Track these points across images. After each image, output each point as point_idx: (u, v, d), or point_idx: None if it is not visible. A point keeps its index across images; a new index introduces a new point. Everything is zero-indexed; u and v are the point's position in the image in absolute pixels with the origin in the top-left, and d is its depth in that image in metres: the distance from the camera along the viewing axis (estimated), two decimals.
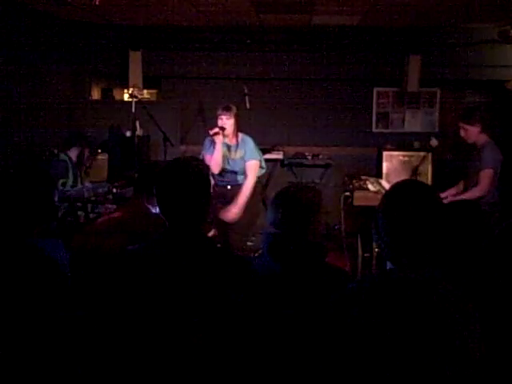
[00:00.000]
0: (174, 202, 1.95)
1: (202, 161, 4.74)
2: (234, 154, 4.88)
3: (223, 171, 4.95)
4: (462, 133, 4.78)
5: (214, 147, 4.82)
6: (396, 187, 1.74)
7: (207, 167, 2.15)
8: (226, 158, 4.91)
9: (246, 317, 1.91)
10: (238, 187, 4.89)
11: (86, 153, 5.54)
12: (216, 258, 1.94)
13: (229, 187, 4.93)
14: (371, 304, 1.54)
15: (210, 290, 1.86)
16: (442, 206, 1.68)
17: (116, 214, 2.80)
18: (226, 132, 4.80)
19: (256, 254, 5.31)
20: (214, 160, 4.80)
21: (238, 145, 4.90)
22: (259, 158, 4.96)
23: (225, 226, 4.93)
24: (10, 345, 1.84)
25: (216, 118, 4.85)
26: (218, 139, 4.76)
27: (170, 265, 1.88)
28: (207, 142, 4.95)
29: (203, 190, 1.99)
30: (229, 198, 4.93)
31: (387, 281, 1.60)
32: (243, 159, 4.90)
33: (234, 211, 4.76)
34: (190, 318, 1.83)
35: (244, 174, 4.91)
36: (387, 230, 1.63)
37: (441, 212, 1.63)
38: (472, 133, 4.73)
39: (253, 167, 4.85)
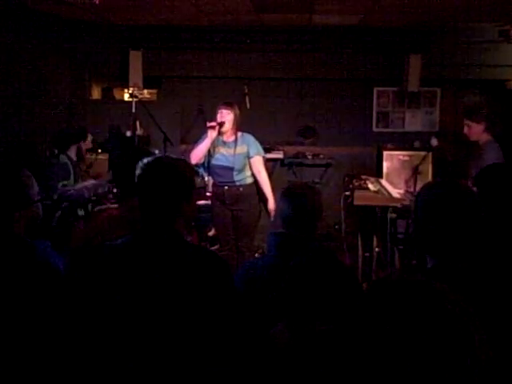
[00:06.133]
0: (148, 198, 1.99)
1: (184, 160, 4.78)
2: (234, 149, 4.83)
3: (218, 168, 4.90)
4: (466, 130, 4.71)
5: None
6: (442, 183, 1.83)
7: (190, 167, 2.16)
8: (215, 153, 4.86)
9: (226, 312, 1.91)
10: (235, 188, 4.88)
11: (84, 146, 5.47)
12: (187, 254, 1.96)
13: (226, 187, 4.91)
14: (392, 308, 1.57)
15: (182, 285, 1.87)
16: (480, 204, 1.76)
17: (115, 211, 2.78)
18: (224, 128, 4.77)
19: (257, 254, 5.31)
20: (198, 149, 4.79)
21: (237, 140, 4.86)
22: (263, 153, 5.01)
23: (229, 228, 4.95)
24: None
25: (216, 113, 4.84)
26: (211, 133, 4.74)
27: (141, 261, 1.90)
28: (203, 136, 4.91)
29: (178, 188, 2.00)
30: (226, 199, 4.91)
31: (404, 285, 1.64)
32: (246, 155, 4.87)
33: (271, 207, 4.89)
34: (163, 312, 1.85)
35: (242, 172, 4.89)
36: (431, 224, 1.67)
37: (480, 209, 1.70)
38: (476, 130, 4.65)
39: (261, 162, 4.97)
